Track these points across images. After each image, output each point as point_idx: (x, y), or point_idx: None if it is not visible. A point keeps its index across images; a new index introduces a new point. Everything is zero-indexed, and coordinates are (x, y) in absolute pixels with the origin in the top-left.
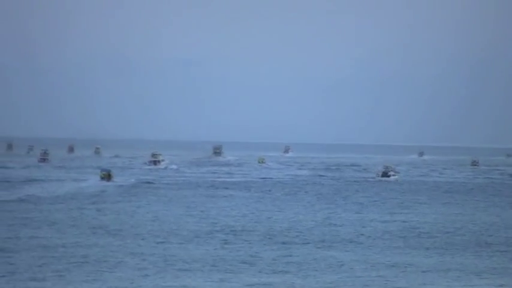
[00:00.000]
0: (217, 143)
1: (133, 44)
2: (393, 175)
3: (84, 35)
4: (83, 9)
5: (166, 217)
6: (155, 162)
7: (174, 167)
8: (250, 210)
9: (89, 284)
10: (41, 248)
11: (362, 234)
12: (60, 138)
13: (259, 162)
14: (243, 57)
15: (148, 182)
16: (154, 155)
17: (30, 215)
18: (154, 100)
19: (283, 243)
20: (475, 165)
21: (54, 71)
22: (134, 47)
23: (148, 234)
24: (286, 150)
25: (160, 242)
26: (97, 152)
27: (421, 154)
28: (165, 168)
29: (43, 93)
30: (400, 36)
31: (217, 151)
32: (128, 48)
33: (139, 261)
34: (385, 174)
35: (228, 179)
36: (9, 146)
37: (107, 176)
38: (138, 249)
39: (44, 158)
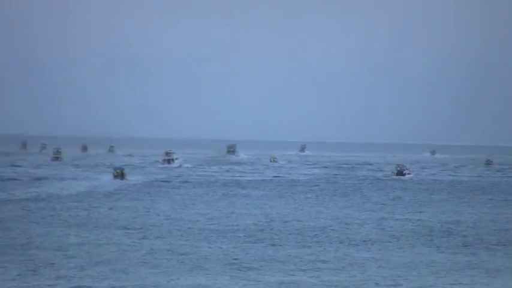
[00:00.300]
0: (231, 141)
1: (145, 42)
2: (408, 174)
3: (94, 33)
4: (95, 7)
5: (180, 215)
6: (169, 161)
7: (187, 165)
8: (267, 209)
9: (109, 281)
10: (58, 246)
11: (386, 233)
12: (74, 136)
13: (270, 161)
14: (255, 55)
15: (162, 181)
16: (168, 153)
17: (42, 213)
18: (167, 99)
19: (306, 241)
20: (489, 164)
21: (67, 69)
22: (146, 46)
23: (163, 233)
24: (302, 149)
25: (175, 240)
26: (111, 150)
27: (433, 153)
28: (179, 166)
29: (56, 92)
30: (410, 32)
31: (231, 149)
32: (139, 47)
33: (156, 260)
34: (400, 173)
35: (241, 178)
36: (24, 145)
37: (120, 175)
38: (154, 247)
39: (56, 157)
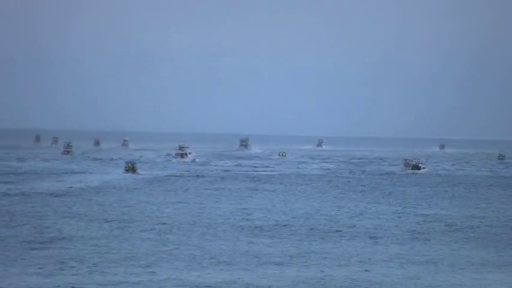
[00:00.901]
0: (244, 135)
1: (159, 36)
2: (423, 168)
3: (104, 28)
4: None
5: (195, 210)
6: (182, 155)
7: (200, 159)
8: (282, 204)
9: (134, 277)
10: (72, 240)
11: (412, 227)
12: (88, 131)
13: (279, 155)
14: (270, 50)
15: (175, 175)
16: (181, 147)
17: (52, 207)
18: (179, 93)
19: (326, 236)
20: (502, 158)
21: (78, 64)
22: (160, 40)
23: (177, 227)
24: (320, 144)
25: (193, 235)
26: (124, 144)
27: (442, 147)
28: (192, 161)
29: (68, 86)
30: (416, 25)
31: (243, 143)
32: (151, 41)
33: (174, 255)
34: (415, 167)
35: (255, 172)
36: (37, 138)
37: (132, 169)
38: (171, 241)
39: (67, 151)
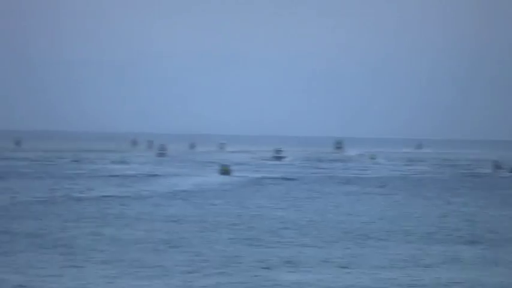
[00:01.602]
0: (338, 138)
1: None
2: None
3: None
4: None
5: (303, 213)
6: (278, 158)
7: (296, 162)
8: (407, 208)
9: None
10: (182, 244)
11: None
12: (183, 134)
13: (370, 158)
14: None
15: (271, 178)
16: (277, 150)
17: (146, 210)
18: (271, 94)
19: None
20: None
21: (167, 66)
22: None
23: (279, 231)
24: (419, 146)
25: (297, 241)
26: (222, 147)
27: None
28: (289, 164)
29: (163, 90)
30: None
31: (338, 146)
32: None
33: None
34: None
35: (352, 175)
36: (134, 142)
37: (226, 171)
38: (272, 246)
39: (161, 153)
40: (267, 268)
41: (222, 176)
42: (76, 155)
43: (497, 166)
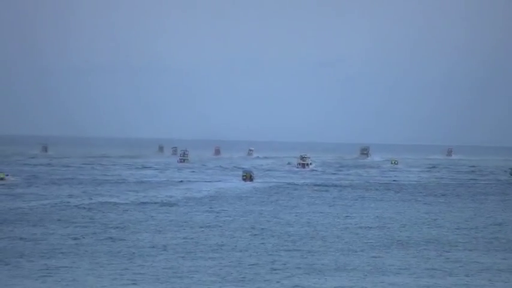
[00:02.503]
0: (364, 144)
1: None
2: None
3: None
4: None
5: (326, 220)
6: (303, 165)
7: (322, 168)
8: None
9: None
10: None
11: None
12: (209, 140)
13: (391, 163)
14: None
15: (295, 184)
16: (302, 157)
17: (170, 217)
18: (300, 102)
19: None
20: None
21: (201, 71)
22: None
23: (299, 237)
24: (449, 153)
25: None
26: (250, 154)
27: None
28: (313, 170)
29: (188, 95)
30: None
31: (364, 152)
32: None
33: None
34: None
35: (381, 181)
36: (161, 148)
37: (249, 177)
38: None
39: (183, 159)
40: None
41: (244, 182)
42: (103, 161)
43: None
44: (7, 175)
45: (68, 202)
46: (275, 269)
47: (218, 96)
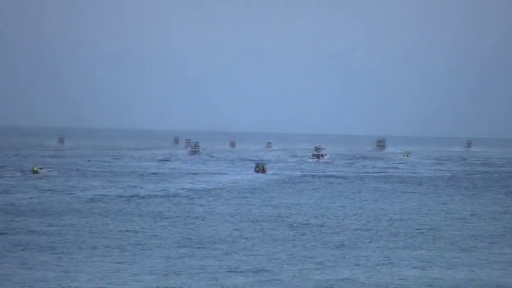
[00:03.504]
0: (381, 136)
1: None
2: None
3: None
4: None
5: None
6: (318, 156)
7: (337, 161)
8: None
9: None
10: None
11: None
12: (224, 132)
13: (404, 156)
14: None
15: (312, 175)
16: (317, 148)
17: (186, 208)
18: (315, 94)
19: None
20: None
21: (212, 65)
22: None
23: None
24: (469, 145)
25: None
26: (269, 146)
27: None
28: (329, 162)
29: (204, 88)
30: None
31: (380, 144)
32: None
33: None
34: None
35: (400, 174)
36: (176, 140)
37: (261, 169)
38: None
39: (194, 151)
40: None
41: (256, 174)
42: (118, 152)
43: None
44: (41, 168)
45: (120, 194)
46: None
47: (230, 88)
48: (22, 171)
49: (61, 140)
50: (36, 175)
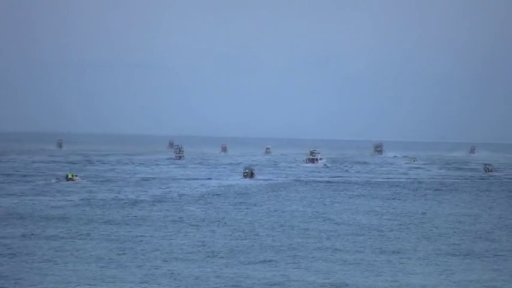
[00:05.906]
0: (377, 141)
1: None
2: None
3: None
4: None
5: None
6: (313, 160)
7: (332, 165)
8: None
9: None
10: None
11: None
12: (216, 137)
13: (409, 161)
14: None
15: (301, 180)
16: (312, 152)
17: (171, 214)
18: (311, 100)
19: None
20: None
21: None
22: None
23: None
24: (472, 150)
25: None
26: (268, 151)
27: None
28: (323, 166)
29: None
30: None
31: (378, 149)
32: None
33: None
34: None
35: (397, 179)
36: (171, 144)
37: (250, 174)
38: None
39: (179, 156)
40: None
41: (245, 179)
42: (126, 158)
43: None
44: (76, 175)
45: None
46: None
47: (218, 94)
48: (57, 178)
49: (59, 145)
50: (70, 182)
